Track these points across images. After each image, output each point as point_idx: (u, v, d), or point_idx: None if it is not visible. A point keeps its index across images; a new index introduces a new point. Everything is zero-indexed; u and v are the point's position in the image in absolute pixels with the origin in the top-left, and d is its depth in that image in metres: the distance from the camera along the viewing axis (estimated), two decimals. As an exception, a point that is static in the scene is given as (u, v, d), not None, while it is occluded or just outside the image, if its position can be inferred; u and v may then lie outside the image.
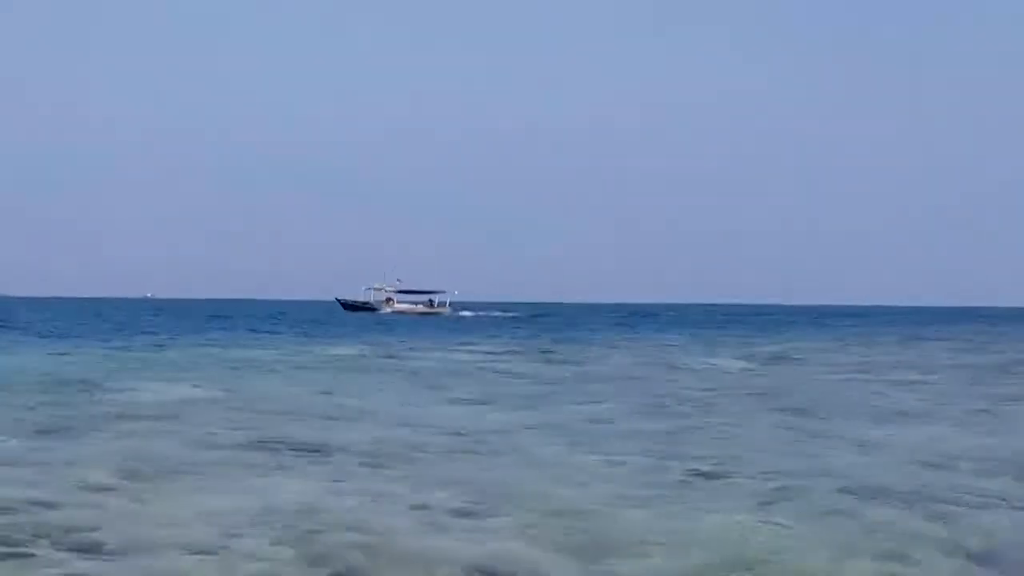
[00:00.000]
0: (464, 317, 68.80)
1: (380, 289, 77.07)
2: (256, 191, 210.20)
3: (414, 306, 76.19)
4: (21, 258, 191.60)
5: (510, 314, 74.65)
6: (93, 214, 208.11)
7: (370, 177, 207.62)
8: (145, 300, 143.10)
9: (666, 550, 6.07)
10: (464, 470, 8.77)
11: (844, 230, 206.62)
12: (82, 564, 5.67)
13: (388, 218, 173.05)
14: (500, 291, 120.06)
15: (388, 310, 74.20)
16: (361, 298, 77.54)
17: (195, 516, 6.76)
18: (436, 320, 63.35)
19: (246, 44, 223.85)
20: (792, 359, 26.54)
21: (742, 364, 24.08)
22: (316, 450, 9.63)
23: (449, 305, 77.26)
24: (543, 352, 28.36)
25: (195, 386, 16.22)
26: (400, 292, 76.84)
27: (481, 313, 73.55)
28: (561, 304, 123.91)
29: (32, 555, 5.79)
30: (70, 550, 5.89)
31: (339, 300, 78.44)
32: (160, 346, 28.83)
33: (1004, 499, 7.61)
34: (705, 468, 8.83)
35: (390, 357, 25.40)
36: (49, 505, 7.01)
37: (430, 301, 77.31)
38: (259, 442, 10.10)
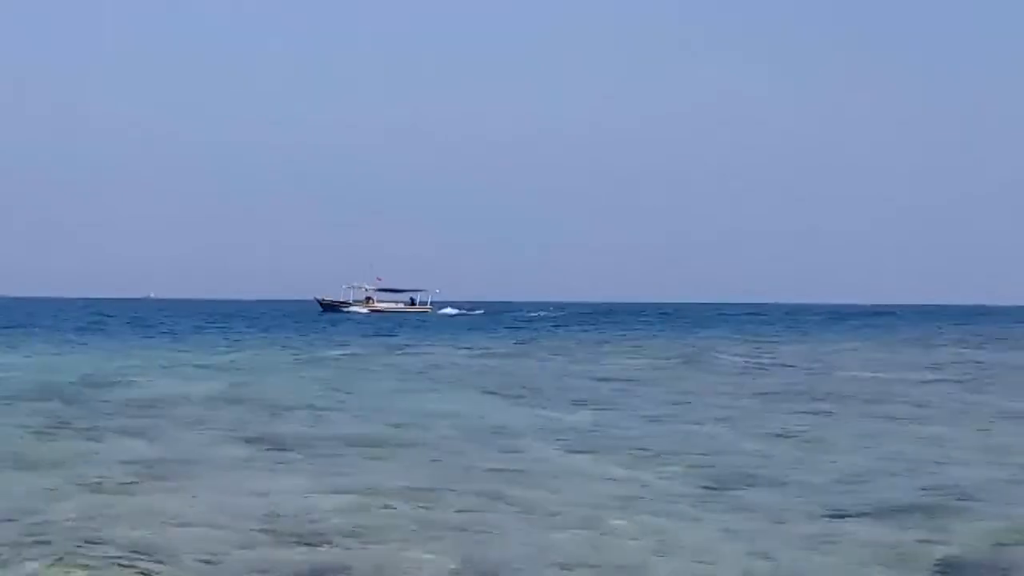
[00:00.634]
0: (445, 315, 68.88)
1: (360, 288, 76.03)
2: (257, 191, 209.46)
3: (395, 304, 75.69)
4: (21, 258, 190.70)
5: (480, 311, 76.05)
6: (93, 214, 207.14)
7: (369, 177, 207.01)
8: (147, 300, 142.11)
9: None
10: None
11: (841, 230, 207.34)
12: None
13: (388, 218, 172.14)
14: (489, 291, 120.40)
15: (367, 309, 73.04)
16: (340, 296, 76.40)
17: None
18: (417, 317, 63.08)
19: (246, 44, 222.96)
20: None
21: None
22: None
23: (431, 304, 77.00)
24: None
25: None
26: (380, 291, 75.89)
27: (465, 312, 73.80)
28: (548, 303, 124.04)
29: (36, 556, 5.81)
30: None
31: (318, 299, 76.62)
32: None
33: None
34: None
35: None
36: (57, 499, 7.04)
37: (411, 300, 76.76)
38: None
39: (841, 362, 23.40)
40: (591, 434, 11.09)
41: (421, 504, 7.18)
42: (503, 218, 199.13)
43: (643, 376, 19.11)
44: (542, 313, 76.13)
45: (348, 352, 26.31)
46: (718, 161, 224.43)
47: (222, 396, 14.70)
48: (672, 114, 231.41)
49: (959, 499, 7.32)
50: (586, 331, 44.04)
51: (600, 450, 9.79)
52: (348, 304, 74.17)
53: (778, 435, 10.89)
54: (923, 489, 7.73)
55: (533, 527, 6.57)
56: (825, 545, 6.11)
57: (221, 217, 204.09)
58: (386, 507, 7.09)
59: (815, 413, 12.96)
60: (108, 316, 57.48)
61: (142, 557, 5.81)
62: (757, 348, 29.73)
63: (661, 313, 78.64)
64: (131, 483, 7.95)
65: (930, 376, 19.01)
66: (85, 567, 5.64)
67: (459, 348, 29.23)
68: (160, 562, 5.71)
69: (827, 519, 6.80)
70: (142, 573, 5.57)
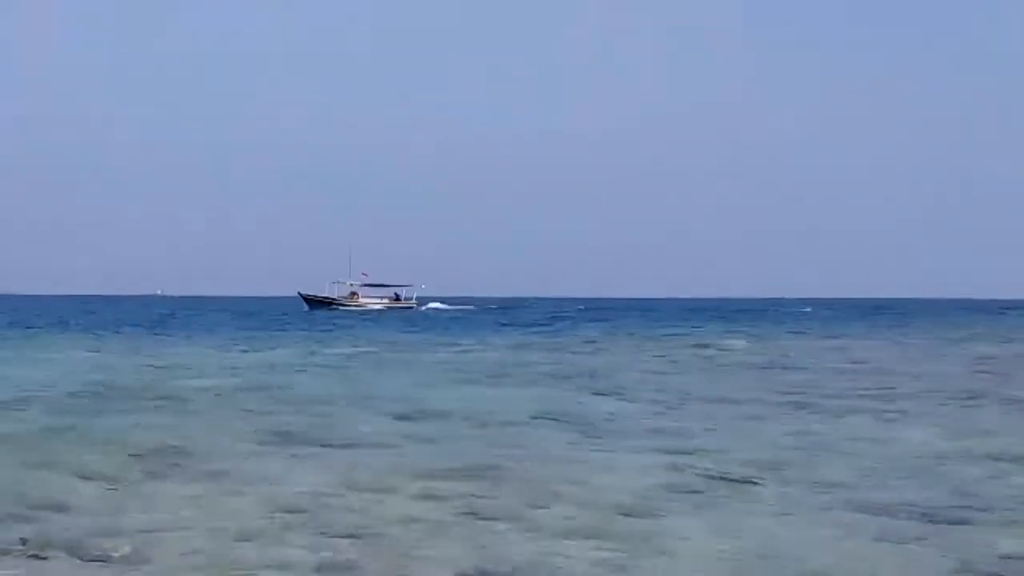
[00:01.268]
0: (430, 311, 68.60)
1: (344, 283, 74.41)
2: (259, 192, 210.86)
3: (380, 300, 74.95)
4: (29, 257, 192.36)
5: (469, 307, 76.58)
6: (101, 211, 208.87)
7: (368, 177, 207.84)
8: (157, 297, 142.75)
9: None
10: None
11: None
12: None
13: (389, 219, 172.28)
14: (477, 287, 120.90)
15: (352, 305, 71.77)
16: (325, 292, 74.58)
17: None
18: (401, 314, 62.73)
19: (247, 45, 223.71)
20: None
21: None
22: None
23: (416, 299, 76.56)
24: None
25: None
26: (366, 286, 74.50)
27: (450, 307, 73.67)
28: (535, 298, 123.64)
29: (43, 554, 5.83)
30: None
31: (302, 295, 74.53)
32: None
33: None
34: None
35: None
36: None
37: (396, 295, 75.82)
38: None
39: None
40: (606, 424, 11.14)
41: (434, 500, 7.19)
42: (503, 218, 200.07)
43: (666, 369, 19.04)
44: (568, 311, 75.36)
45: (361, 350, 26.34)
46: (716, 161, 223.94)
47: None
48: (672, 114, 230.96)
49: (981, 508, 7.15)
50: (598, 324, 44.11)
51: (614, 438, 9.82)
52: (335, 300, 72.58)
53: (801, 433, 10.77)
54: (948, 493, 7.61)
55: (544, 526, 6.54)
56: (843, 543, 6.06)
57: (221, 218, 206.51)
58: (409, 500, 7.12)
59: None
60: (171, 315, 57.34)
61: (153, 548, 5.83)
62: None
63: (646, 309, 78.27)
64: (142, 474, 7.99)
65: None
66: (97, 560, 5.66)
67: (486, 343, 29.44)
68: (169, 554, 5.73)
69: (851, 513, 6.76)
70: (152, 564, 5.58)
